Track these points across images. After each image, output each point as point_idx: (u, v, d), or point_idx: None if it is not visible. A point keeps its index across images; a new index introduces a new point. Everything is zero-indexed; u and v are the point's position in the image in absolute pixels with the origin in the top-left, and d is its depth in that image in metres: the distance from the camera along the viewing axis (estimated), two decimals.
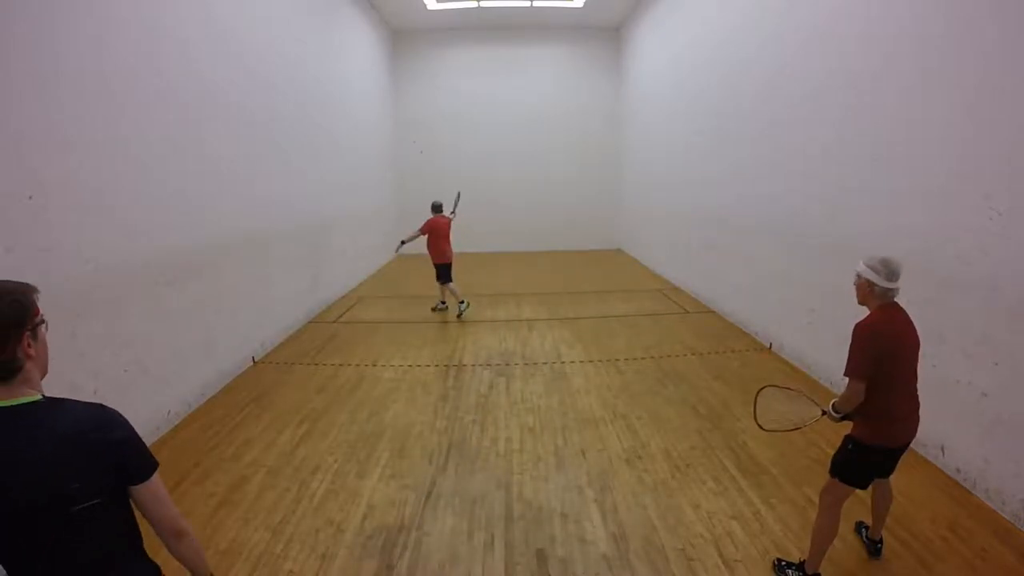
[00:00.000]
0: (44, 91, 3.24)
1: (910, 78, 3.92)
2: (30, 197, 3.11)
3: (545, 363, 5.80)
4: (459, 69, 13.84)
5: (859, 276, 2.51)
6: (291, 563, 2.85)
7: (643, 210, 12.14)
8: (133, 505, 1.42)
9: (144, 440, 1.44)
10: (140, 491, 1.39)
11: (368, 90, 11.47)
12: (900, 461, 2.62)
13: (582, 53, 13.98)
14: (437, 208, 7.81)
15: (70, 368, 3.36)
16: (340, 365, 5.84)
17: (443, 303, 8.05)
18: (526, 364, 5.78)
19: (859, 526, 2.99)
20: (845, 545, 2.89)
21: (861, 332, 2.43)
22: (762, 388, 2.81)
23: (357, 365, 5.83)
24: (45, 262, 3.20)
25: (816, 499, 3.01)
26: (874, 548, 2.83)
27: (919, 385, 2.53)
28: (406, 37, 13.62)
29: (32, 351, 1.29)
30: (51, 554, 1.26)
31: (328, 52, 8.94)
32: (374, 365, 5.82)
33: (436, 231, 7.65)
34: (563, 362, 5.82)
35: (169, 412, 4.39)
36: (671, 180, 10.03)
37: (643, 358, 5.89)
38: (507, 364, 5.79)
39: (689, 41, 8.95)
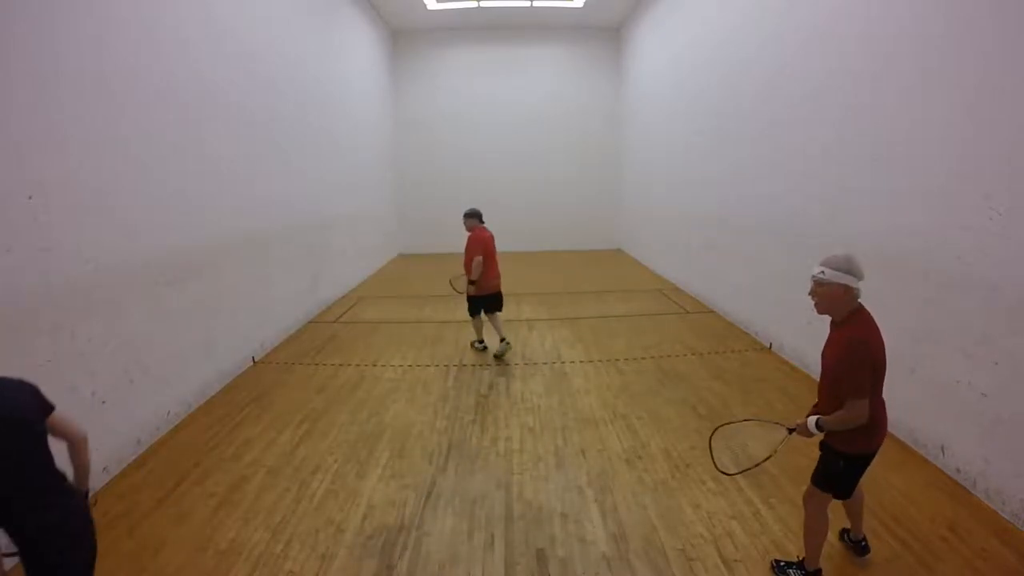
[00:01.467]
0: (44, 91, 3.23)
1: (910, 78, 3.92)
2: (30, 197, 3.11)
3: (545, 363, 5.80)
4: (459, 69, 13.84)
5: (828, 283, 2.27)
6: (291, 563, 2.85)
7: (643, 210, 12.14)
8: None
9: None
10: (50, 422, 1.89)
11: (368, 90, 11.47)
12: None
13: (582, 53, 13.97)
14: (478, 216, 5.94)
15: (70, 368, 3.36)
16: (340, 365, 5.84)
17: (481, 342, 6.20)
18: (526, 364, 5.78)
19: (843, 533, 2.91)
20: (846, 547, 2.89)
21: (857, 348, 2.23)
22: (712, 433, 2.78)
23: (357, 365, 5.83)
24: (45, 262, 3.20)
25: None
26: (859, 548, 2.80)
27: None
28: (406, 37, 13.62)
29: None
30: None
31: (328, 52, 8.94)
32: (374, 365, 5.82)
33: (490, 249, 5.78)
34: (563, 362, 5.82)
35: (169, 412, 4.38)
36: (671, 180, 10.03)
37: (643, 358, 5.89)
38: (507, 364, 5.79)
39: (689, 41, 8.95)
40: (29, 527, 1.77)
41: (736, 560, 2.81)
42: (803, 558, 2.62)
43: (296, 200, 7.33)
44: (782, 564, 2.70)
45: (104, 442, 3.61)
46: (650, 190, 11.49)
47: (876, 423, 2.36)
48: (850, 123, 4.63)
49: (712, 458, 2.72)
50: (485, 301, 5.87)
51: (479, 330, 6.13)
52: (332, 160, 9.04)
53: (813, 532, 2.56)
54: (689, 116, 9.02)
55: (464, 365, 5.78)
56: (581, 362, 5.80)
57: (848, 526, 2.86)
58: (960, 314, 3.48)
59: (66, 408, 1.88)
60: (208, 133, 5.13)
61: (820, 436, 2.47)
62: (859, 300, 2.30)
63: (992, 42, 3.24)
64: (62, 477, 1.90)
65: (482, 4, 11.90)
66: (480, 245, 5.66)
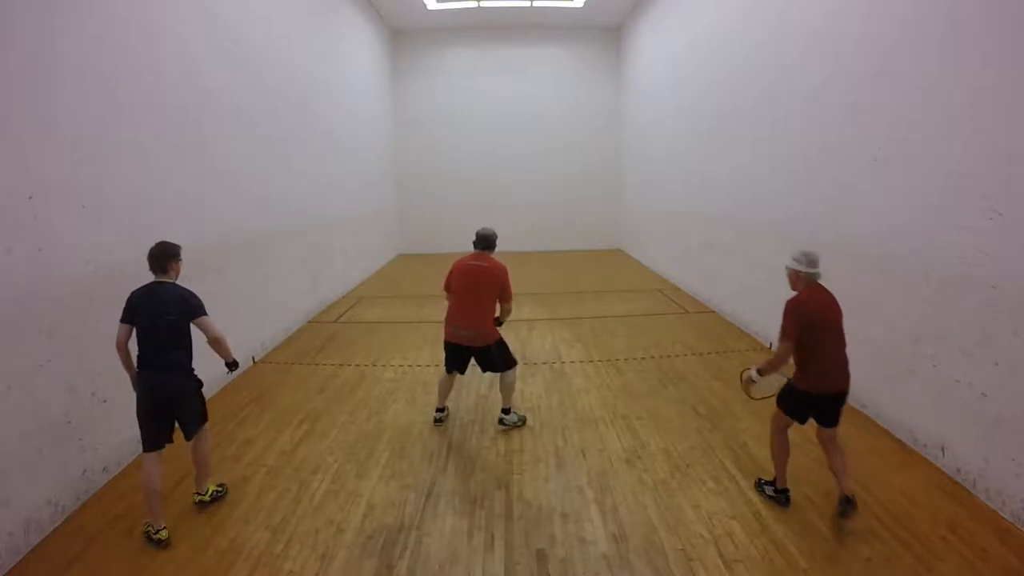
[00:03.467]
0: (44, 91, 3.23)
1: (910, 78, 3.92)
2: (30, 197, 3.11)
3: (545, 363, 5.80)
4: (459, 69, 13.84)
5: (787, 268, 3.14)
6: (291, 563, 2.85)
7: (643, 210, 12.14)
8: (194, 327, 3.11)
9: None
10: (198, 322, 3.12)
11: (368, 90, 11.47)
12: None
13: (582, 53, 13.98)
14: (475, 241, 4.25)
15: (70, 368, 3.35)
16: (340, 365, 5.83)
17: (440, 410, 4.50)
18: (526, 364, 5.78)
19: (840, 503, 3.00)
20: (845, 548, 2.89)
21: (790, 305, 3.01)
22: (741, 374, 3.34)
23: (357, 365, 5.83)
24: (45, 262, 3.20)
25: (816, 499, 3.29)
26: (845, 508, 2.95)
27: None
28: (406, 37, 13.63)
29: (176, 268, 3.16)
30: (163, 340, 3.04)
31: (328, 52, 8.94)
32: (374, 365, 5.82)
33: (458, 283, 4.20)
34: (563, 362, 5.82)
35: None
36: (671, 180, 10.03)
37: (643, 358, 5.89)
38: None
39: (689, 41, 8.95)
40: (157, 376, 3.05)
41: (736, 560, 2.81)
42: (775, 478, 3.29)
43: (296, 200, 7.33)
44: (762, 481, 3.34)
45: (104, 442, 3.61)
46: (650, 190, 11.49)
47: (818, 370, 3.00)
48: (850, 123, 4.63)
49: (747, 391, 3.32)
50: (451, 353, 4.25)
51: (440, 390, 4.47)
52: (332, 160, 9.04)
53: (775, 450, 3.25)
54: (689, 116, 9.02)
55: None
56: (581, 362, 5.80)
57: (843, 493, 3.03)
58: (960, 314, 3.48)
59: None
60: (208, 133, 5.13)
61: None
62: (818, 280, 3.08)
63: (992, 42, 3.23)
64: (188, 356, 3.15)
65: (482, 4, 11.90)
66: (448, 277, 4.25)
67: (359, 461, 3.87)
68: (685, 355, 5.97)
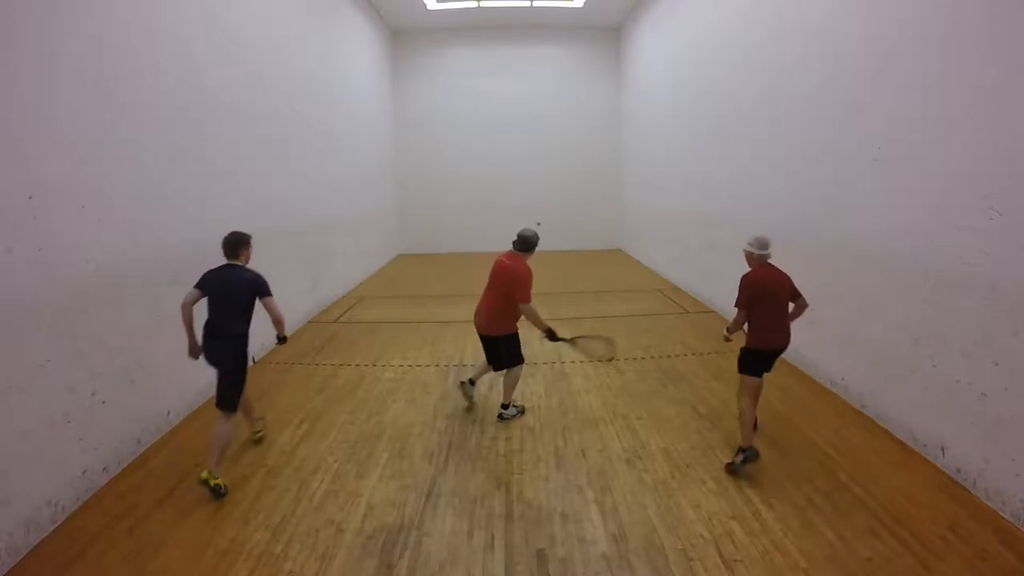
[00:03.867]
0: (44, 91, 3.23)
1: (910, 78, 3.92)
2: (30, 197, 3.11)
3: (545, 363, 5.80)
4: (459, 69, 13.84)
5: (744, 250, 3.84)
6: (291, 563, 2.85)
7: (643, 210, 12.14)
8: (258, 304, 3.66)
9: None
10: (264, 301, 3.66)
11: (368, 90, 11.47)
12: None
13: (582, 53, 13.98)
14: (526, 243, 4.62)
15: (70, 368, 3.35)
16: (340, 365, 5.83)
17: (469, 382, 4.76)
18: (526, 364, 5.78)
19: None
20: (845, 546, 2.89)
21: (744, 280, 3.71)
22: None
23: (357, 365, 5.83)
24: (45, 262, 3.20)
25: (817, 499, 3.30)
26: (748, 456, 3.61)
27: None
28: (406, 37, 13.63)
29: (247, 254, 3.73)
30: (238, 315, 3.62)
31: (328, 52, 8.94)
32: (374, 365, 5.82)
33: (491, 280, 4.61)
34: (563, 362, 5.82)
35: (169, 413, 4.38)
36: (671, 180, 10.03)
37: (643, 358, 5.89)
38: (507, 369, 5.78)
39: (689, 41, 8.95)
40: (217, 344, 3.60)
41: (736, 560, 2.81)
42: (738, 448, 3.69)
43: (296, 200, 7.33)
44: (732, 463, 3.62)
45: (104, 442, 3.61)
46: (650, 190, 11.49)
47: (766, 330, 3.67)
48: (850, 123, 4.63)
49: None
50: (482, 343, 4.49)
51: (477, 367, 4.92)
52: (332, 160, 9.04)
53: (746, 420, 3.65)
54: (689, 116, 9.01)
55: (464, 365, 5.78)
56: (581, 362, 5.80)
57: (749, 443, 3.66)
58: (960, 314, 3.48)
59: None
60: (208, 133, 5.13)
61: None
62: (767, 260, 3.75)
63: (992, 42, 3.23)
64: (246, 331, 3.67)
65: (482, 4, 11.90)
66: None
67: (359, 461, 3.87)
68: (685, 355, 5.97)
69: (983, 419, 3.30)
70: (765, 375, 3.71)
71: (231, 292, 3.57)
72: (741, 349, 3.76)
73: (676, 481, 3.55)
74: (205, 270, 3.62)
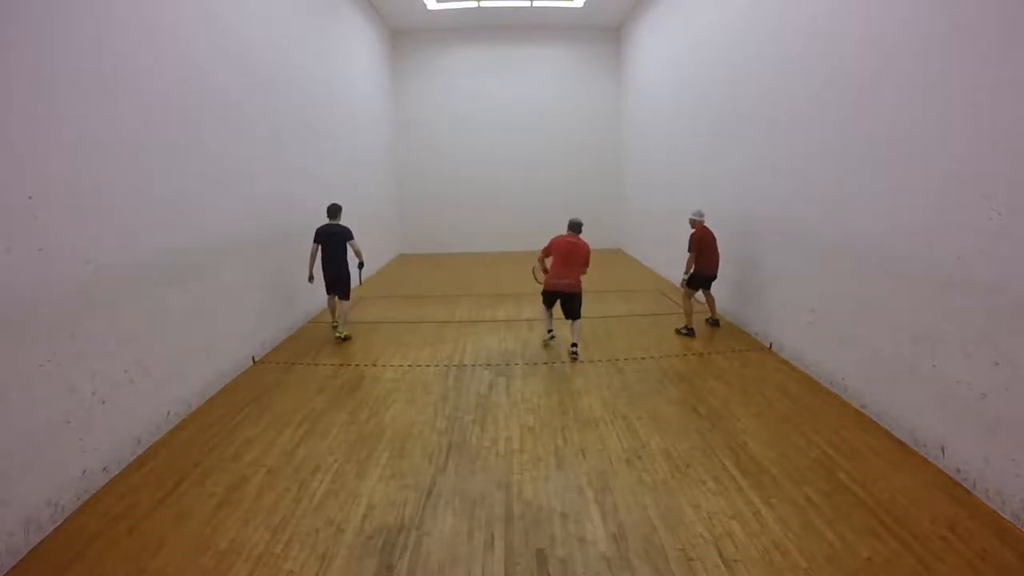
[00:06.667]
0: (44, 91, 3.23)
1: (910, 78, 3.92)
2: (30, 197, 3.11)
3: (545, 363, 5.80)
4: (459, 69, 13.84)
5: (690, 219, 6.57)
6: (291, 563, 2.85)
7: (643, 210, 12.14)
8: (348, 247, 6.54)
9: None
10: (350, 243, 6.57)
11: (368, 90, 11.47)
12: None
13: (582, 53, 13.97)
14: (569, 226, 6.77)
15: (70, 368, 3.35)
16: (340, 365, 5.84)
17: (549, 331, 6.65)
18: (526, 364, 5.78)
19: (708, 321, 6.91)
20: (845, 546, 2.89)
21: (693, 236, 6.42)
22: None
23: (357, 365, 5.83)
24: (45, 262, 3.20)
25: (817, 499, 3.32)
26: (713, 324, 6.82)
27: None
28: (406, 37, 13.63)
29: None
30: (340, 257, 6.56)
31: (328, 52, 8.93)
32: (374, 365, 5.82)
33: (560, 251, 6.44)
34: (563, 362, 5.82)
35: (169, 413, 4.38)
36: (671, 180, 10.02)
37: (643, 358, 5.89)
38: (507, 364, 5.79)
39: (689, 41, 8.95)
40: (334, 269, 6.52)
41: (736, 560, 2.81)
42: (685, 325, 6.47)
43: (296, 200, 7.32)
44: (680, 330, 6.51)
45: (104, 442, 3.61)
46: (650, 190, 11.49)
47: (706, 266, 6.43)
48: (850, 123, 4.63)
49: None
50: (548, 296, 6.38)
51: (544, 321, 6.68)
52: (332, 160, 9.04)
53: (687, 310, 6.58)
54: (689, 116, 9.01)
55: (464, 365, 5.79)
56: (581, 362, 5.80)
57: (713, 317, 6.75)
58: (960, 314, 3.48)
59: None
60: (208, 133, 5.13)
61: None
62: (703, 222, 6.53)
63: (992, 42, 3.23)
64: (346, 261, 6.51)
65: (482, 4, 11.90)
66: (549, 247, 6.51)
67: (359, 461, 3.87)
68: (685, 355, 5.97)
69: (983, 419, 3.30)
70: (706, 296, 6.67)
71: (335, 240, 6.43)
72: (690, 275, 6.50)
73: (676, 481, 3.55)
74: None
